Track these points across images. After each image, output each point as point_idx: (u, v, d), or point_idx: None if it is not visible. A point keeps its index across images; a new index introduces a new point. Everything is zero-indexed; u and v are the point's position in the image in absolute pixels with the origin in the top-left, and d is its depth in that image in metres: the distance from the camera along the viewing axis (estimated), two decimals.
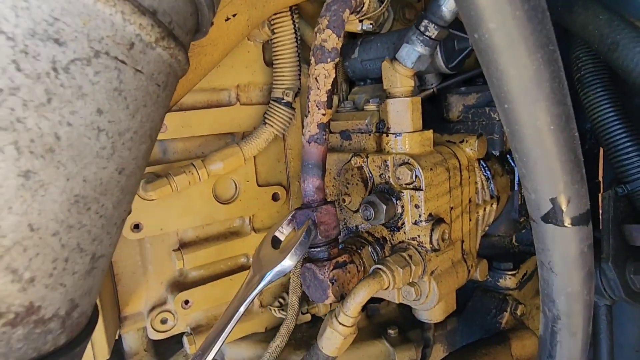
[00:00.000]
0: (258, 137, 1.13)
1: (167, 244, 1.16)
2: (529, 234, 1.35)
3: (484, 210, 1.16)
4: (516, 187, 1.27)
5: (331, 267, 0.89)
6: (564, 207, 0.56)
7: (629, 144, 1.03)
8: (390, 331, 1.28)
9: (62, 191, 0.48)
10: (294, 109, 1.15)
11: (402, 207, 0.98)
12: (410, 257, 0.95)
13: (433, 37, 0.93)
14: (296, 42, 1.12)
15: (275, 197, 1.25)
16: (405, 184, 0.96)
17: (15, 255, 0.46)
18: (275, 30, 1.10)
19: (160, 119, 0.63)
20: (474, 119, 1.23)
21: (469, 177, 1.08)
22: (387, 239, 1.03)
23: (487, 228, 1.22)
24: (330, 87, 0.89)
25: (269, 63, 1.19)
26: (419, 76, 1.23)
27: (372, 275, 0.90)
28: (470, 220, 1.10)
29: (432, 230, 0.96)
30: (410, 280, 0.95)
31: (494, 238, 1.36)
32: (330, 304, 1.31)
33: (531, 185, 0.57)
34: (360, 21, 1.11)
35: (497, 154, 1.22)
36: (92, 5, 0.47)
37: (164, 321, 1.16)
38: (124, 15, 0.49)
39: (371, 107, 1.09)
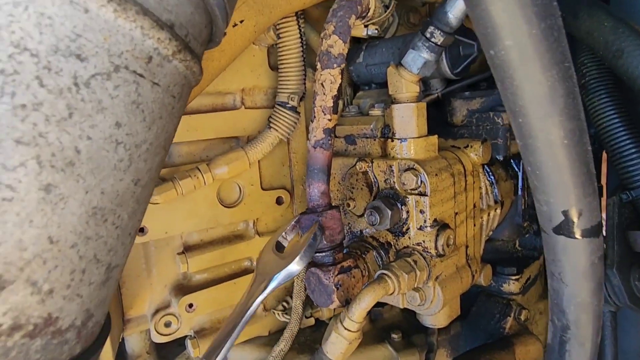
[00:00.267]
0: (263, 141, 1.13)
1: (171, 247, 1.15)
2: (533, 239, 1.35)
3: (488, 215, 1.16)
4: (520, 192, 1.27)
5: (336, 272, 0.89)
6: (575, 220, 0.56)
7: (633, 150, 1.03)
8: (394, 335, 1.29)
9: (81, 204, 0.48)
10: (298, 113, 1.16)
11: (407, 212, 0.98)
12: (415, 262, 0.95)
13: (439, 43, 0.94)
14: (302, 46, 1.12)
15: (279, 201, 1.25)
16: (411, 190, 0.96)
17: (35, 268, 0.47)
18: (281, 35, 1.10)
19: (174, 129, 0.63)
20: (478, 124, 1.23)
21: (474, 183, 1.09)
22: (392, 244, 1.03)
23: (490, 233, 1.22)
24: (336, 93, 0.89)
25: (274, 67, 1.19)
26: (424, 81, 1.23)
27: (377, 280, 0.90)
28: (474, 225, 1.10)
29: (437, 235, 0.96)
30: (415, 286, 0.96)
31: (497, 243, 1.37)
32: (335, 309, 1.31)
33: (543, 197, 0.57)
34: (366, 26, 1.11)
35: (501, 158, 1.22)
36: (112, 21, 0.48)
37: (167, 324, 1.16)
38: (143, 30, 0.50)
39: (376, 112, 1.09)
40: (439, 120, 1.31)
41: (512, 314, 1.24)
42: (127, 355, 1.26)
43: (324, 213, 0.88)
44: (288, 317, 1.22)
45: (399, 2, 1.17)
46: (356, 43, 1.27)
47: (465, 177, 1.05)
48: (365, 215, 0.98)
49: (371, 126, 1.07)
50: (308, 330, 1.33)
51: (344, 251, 0.96)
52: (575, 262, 0.60)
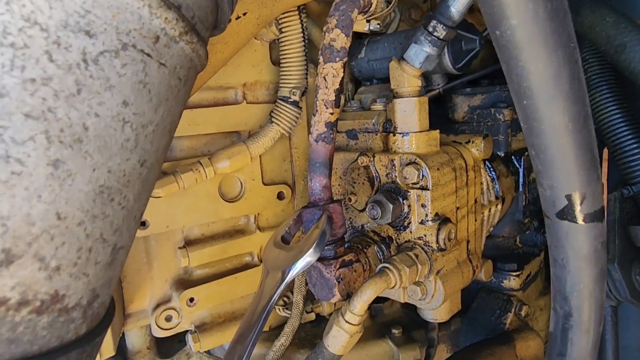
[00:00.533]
0: (264, 136, 1.14)
1: (172, 241, 1.15)
2: (533, 235, 1.35)
3: (489, 210, 1.16)
4: (521, 189, 1.27)
5: (337, 266, 0.89)
6: (579, 204, 0.56)
7: (634, 145, 1.04)
8: (395, 331, 1.29)
9: (89, 181, 0.49)
10: (300, 108, 1.16)
11: (409, 206, 0.98)
12: (417, 256, 0.95)
13: (441, 37, 0.94)
14: (304, 41, 1.12)
15: (280, 196, 1.25)
16: (412, 184, 0.97)
17: (43, 243, 0.47)
18: (283, 29, 1.10)
19: (179, 114, 0.64)
20: (479, 120, 1.23)
21: (475, 178, 1.09)
22: (393, 238, 1.03)
23: (492, 229, 1.23)
24: (338, 87, 0.89)
25: (275, 62, 1.19)
26: (425, 77, 1.24)
27: (379, 273, 0.91)
28: (475, 220, 1.11)
29: (438, 229, 0.97)
30: (417, 280, 0.96)
31: (498, 239, 1.37)
32: (335, 304, 1.31)
33: (547, 181, 0.58)
34: (368, 21, 1.12)
35: (502, 155, 1.23)
36: None
37: (168, 319, 1.16)
38: (150, 9, 0.50)
39: (378, 106, 1.09)
40: (440, 116, 1.32)
41: (513, 310, 1.24)
42: (128, 350, 1.26)
43: (326, 207, 0.88)
44: (289, 312, 1.22)
45: None
46: (358, 38, 1.27)
47: (467, 172, 1.06)
48: (366, 210, 0.98)
49: (373, 121, 1.07)
50: (308, 325, 1.33)
51: (346, 245, 0.97)
52: (578, 248, 0.60)
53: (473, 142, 1.10)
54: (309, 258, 0.79)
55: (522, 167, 1.26)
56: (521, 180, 1.27)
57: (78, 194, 0.48)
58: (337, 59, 0.88)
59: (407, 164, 0.97)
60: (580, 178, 0.55)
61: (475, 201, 1.10)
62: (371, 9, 1.02)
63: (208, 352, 1.28)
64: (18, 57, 0.43)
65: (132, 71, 0.50)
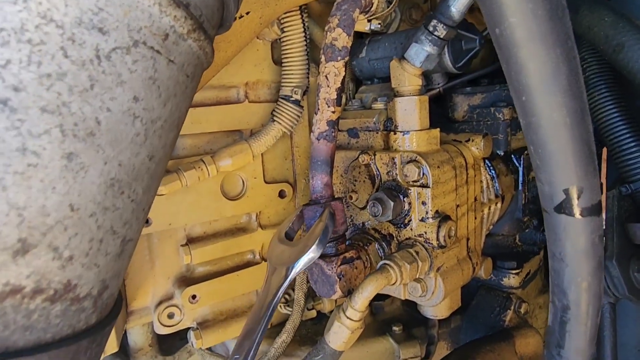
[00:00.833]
0: (266, 135, 1.15)
1: (174, 239, 1.16)
2: (533, 234, 1.37)
3: (489, 208, 1.17)
4: (520, 187, 1.29)
5: (339, 263, 0.90)
6: (576, 198, 0.58)
7: (632, 144, 1.05)
8: (395, 328, 1.30)
9: (100, 174, 0.50)
10: (302, 107, 1.17)
11: (409, 204, 0.99)
12: (417, 253, 0.96)
13: (441, 36, 0.95)
14: (305, 40, 1.13)
15: (281, 194, 1.26)
16: (413, 181, 0.98)
17: (57, 234, 0.48)
18: (284, 29, 1.12)
19: (186, 109, 0.65)
20: (479, 119, 1.24)
21: (475, 176, 1.10)
22: (394, 235, 1.04)
23: (491, 227, 1.24)
24: (340, 85, 0.90)
25: (277, 61, 1.20)
26: (426, 76, 1.25)
27: (379, 270, 0.91)
28: (475, 218, 1.12)
29: (438, 227, 0.98)
30: (417, 277, 0.97)
31: (498, 237, 1.38)
32: (336, 301, 1.32)
33: (545, 176, 0.59)
34: (369, 21, 1.13)
35: (502, 153, 1.24)
36: None
37: (170, 316, 1.17)
38: (160, 7, 0.52)
39: (379, 105, 1.11)
40: (440, 115, 1.33)
41: (512, 307, 1.25)
42: (130, 347, 1.26)
43: (328, 204, 0.89)
44: (290, 309, 1.23)
45: None
46: (359, 38, 1.28)
47: (467, 170, 1.07)
48: (367, 207, 1.00)
49: (374, 119, 1.08)
50: (309, 323, 1.34)
51: (347, 243, 0.98)
52: (576, 241, 0.61)
53: (473, 140, 1.11)
54: (312, 254, 0.80)
55: (521, 165, 1.27)
56: (521, 178, 1.28)
57: (90, 186, 0.50)
58: (339, 58, 0.89)
59: (408, 162, 0.98)
60: (578, 172, 0.56)
61: (475, 199, 1.11)
62: (372, 8, 1.03)
63: (210, 349, 1.29)
64: (35, 53, 0.44)
65: (142, 67, 0.51)
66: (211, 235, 1.21)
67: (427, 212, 0.98)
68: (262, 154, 1.20)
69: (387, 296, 1.36)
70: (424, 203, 0.98)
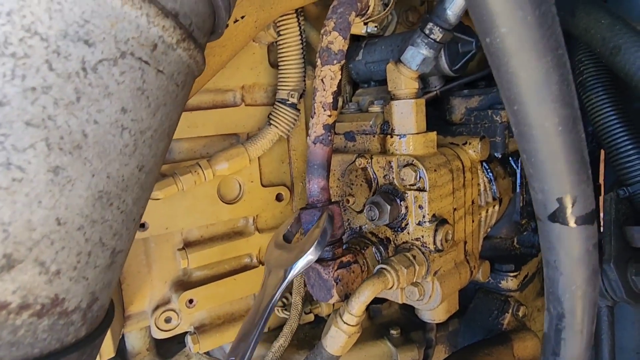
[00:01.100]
0: (263, 138, 1.14)
1: (171, 243, 1.16)
2: (531, 236, 1.36)
3: (487, 211, 1.17)
4: (518, 190, 1.28)
5: (335, 267, 0.90)
6: (570, 207, 0.57)
7: (630, 146, 1.04)
8: (393, 332, 1.30)
9: (88, 187, 0.50)
10: (298, 110, 1.17)
11: (406, 207, 0.99)
12: (414, 257, 0.96)
13: (438, 39, 0.95)
14: (301, 44, 1.13)
15: (279, 198, 1.26)
16: (409, 185, 0.97)
17: (43, 248, 0.48)
18: (281, 32, 1.11)
19: (178, 117, 0.65)
20: (477, 122, 1.24)
21: (472, 179, 1.10)
22: (391, 239, 1.04)
23: (489, 230, 1.23)
24: (336, 89, 0.90)
25: (273, 65, 1.20)
26: (423, 79, 1.24)
27: (376, 274, 0.91)
28: (473, 221, 1.11)
29: (435, 230, 0.97)
30: (414, 280, 0.96)
31: (495, 240, 1.37)
32: (333, 305, 1.32)
33: (538, 185, 0.58)
34: (365, 24, 1.12)
35: (499, 156, 1.23)
36: (119, 8, 0.49)
37: (167, 320, 1.17)
38: (148, 18, 0.51)
39: (375, 108, 1.10)
40: (437, 118, 1.32)
41: (510, 310, 1.25)
42: (127, 352, 1.26)
43: (324, 208, 0.89)
44: (288, 313, 1.23)
45: (398, 1, 1.18)
46: (355, 41, 1.28)
47: (464, 173, 1.06)
48: (364, 211, 0.99)
49: (370, 122, 1.08)
50: (307, 327, 1.34)
51: (344, 247, 0.97)
52: (570, 250, 0.61)
53: (470, 143, 1.11)
54: (310, 257, 0.80)
55: (519, 168, 1.27)
56: (518, 181, 1.28)
57: (78, 199, 0.49)
58: (335, 61, 0.89)
59: (405, 166, 0.97)
60: (571, 181, 0.56)
61: (473, 202, 1.11)
62: (368, 11, 1.02)
63: (207, 353, 1.28)
64: (19, 67, 0.44)
65: (130, 78, 0.51)
66: (208, 239, 1.20)
67: (424, 216, 0.97)
68: (258, 158, 1.19)
69: (385, 299, 1.35)
70: (420, 207, 0.97)
